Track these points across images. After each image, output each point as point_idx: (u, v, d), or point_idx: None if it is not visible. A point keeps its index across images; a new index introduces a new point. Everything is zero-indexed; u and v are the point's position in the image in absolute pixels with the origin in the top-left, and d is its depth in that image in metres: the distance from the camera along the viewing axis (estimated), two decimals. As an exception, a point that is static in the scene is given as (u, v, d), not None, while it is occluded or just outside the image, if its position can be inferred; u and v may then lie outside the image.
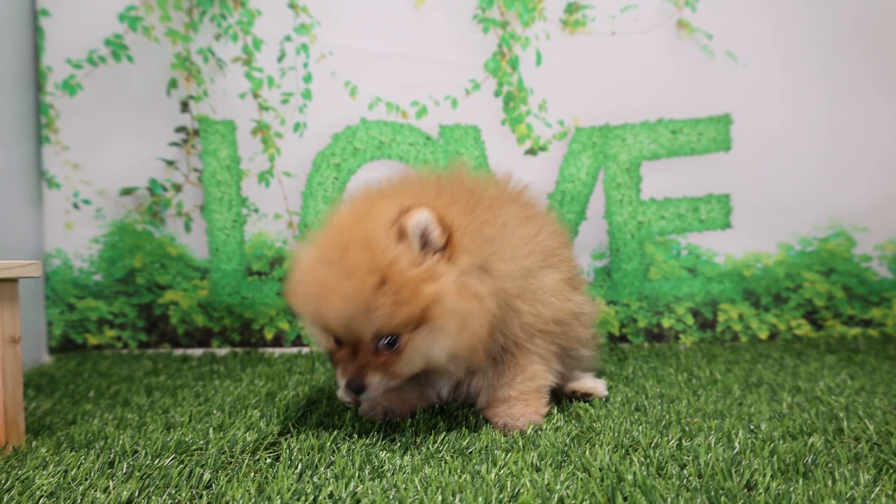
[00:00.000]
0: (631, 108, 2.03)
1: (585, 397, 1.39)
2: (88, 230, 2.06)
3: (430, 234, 1.07)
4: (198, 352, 2.06)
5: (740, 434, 1.10)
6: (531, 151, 2.05)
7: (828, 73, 2.00)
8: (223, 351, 2.06)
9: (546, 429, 1.18)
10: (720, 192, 2.03)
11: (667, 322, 2.05)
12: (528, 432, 1.14)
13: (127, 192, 2.06)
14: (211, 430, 1.18)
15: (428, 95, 2.04)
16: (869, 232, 2.00)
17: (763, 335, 2.03)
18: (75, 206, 2.05)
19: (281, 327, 2.08)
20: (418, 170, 1.43)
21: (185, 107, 2.06)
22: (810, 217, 2.01)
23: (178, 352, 2.07)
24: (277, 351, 2.05)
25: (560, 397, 1.40)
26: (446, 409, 1.35)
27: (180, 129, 2.06)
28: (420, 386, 1.31)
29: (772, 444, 1.05)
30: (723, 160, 2.02)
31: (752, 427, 1.16)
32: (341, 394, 1.38)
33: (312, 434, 1.15)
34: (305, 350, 2.05)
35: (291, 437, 1.15)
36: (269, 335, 2.08)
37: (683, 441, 1.08)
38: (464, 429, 1.18)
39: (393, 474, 0.95)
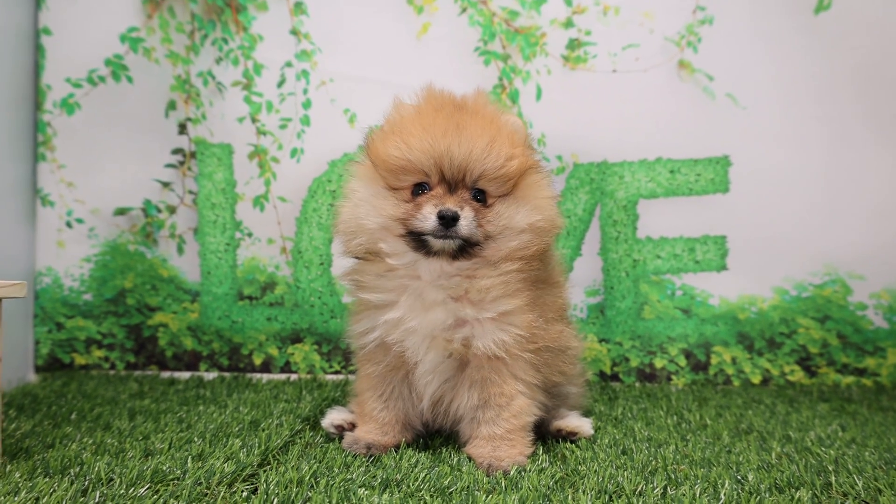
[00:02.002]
0: (630, 145, 2.02)
1: (571, 436, 1.37)
2: (80, 249, 2.04)
3: (524, 135, 1.25)
4: (185, 375, 2.04)
5: (726, 484, 1.08)
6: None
7: (826, 118, 1.99)
8: (211, 375, 2.04)
9: (530, 469, 1.16)
10: (717, 234, 2.01)
11: (659, 362, 2.03)
12: (512, 473, 1.13)
13: (121, 212, 2.05)
14: (189, 460, 1.16)
15: (426, 126, 2.04)
16: (865, 280, 1.98)
17: (756, 380, 2.01)
18: (68, 224, 2.04)
19: (270, 353, 2.06)
20: None
21: (182, 129, 2.05)
22: (806, 262, 2.00)
23: (166, 374, 2.05)
24: (265, 377, 2.03)
25: (545, 436, 1.37)
26: (430, 444, 1.34)
27: (177, 151, 2.06)
28: (404, 405, 1.30)
29: (758, 497, 1.03)
30: (720, 201, 2.01)
31: (738, 477, 1.14)
32: (326, 423, 1.39)
33: (292, 467, 1.14)
34: (293, 377, 2.03)
35: (271, 469, 1.14)
36: (257, 360, 2.06)
37: (669, 489, 1.07)
38: (446, 466, 1.16)
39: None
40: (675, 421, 1.57)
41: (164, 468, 1.11)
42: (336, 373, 2.05)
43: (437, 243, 1.17)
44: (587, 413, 1.58)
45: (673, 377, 2.02)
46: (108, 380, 1.97)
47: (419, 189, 1.20)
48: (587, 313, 2.05)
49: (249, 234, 2.06)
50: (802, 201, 1.99)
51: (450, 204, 1.15)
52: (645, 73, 2.02)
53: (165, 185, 2.06)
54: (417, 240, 1.18)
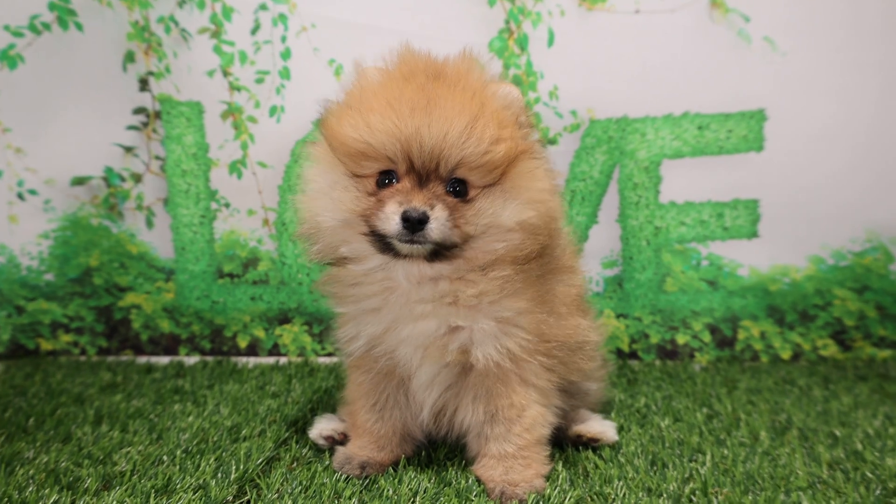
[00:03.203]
0: (653, 98, 1.79)
1: (592, 443, 1.21)
2: (36, 224, 1.82)
3: (518, 109, 1.01)
4: (164, 360, 1.86)
5: None
6: (539, 141, 1.82)
7: (877, 65, 1.76)
8: (192, 360, 1.87)
9: (549, 496, 1.00)
10: (748, 198, 1.81)
11: (682, 338, 1.86)
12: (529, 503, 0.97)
13: (79, 181, 1.82)
14: (152, 494, 0.99)
15: (423, 79, 1.79)
16: (909, 246, 1.81)
17: (786, 355, 1.86)
18: (20, 196, 1.81)
19: (256, 335, 1.88)
20: None
21: (144, 85, 1.80)
22: (846, 228, 1.81)
23: (143, 360, 1.87)
24: (252, 361, 1.85)
25: (563, 442, 1.22)
26: (434, 457, 1.17)
27: (139, 111, 1.81)
28: (402, 415, 1.14)
29: None
30: (753, 161, 1.80)
31: None
32: (314, 434, 1.22)
33: (273, 502, 0.98)
34: (283, 360, 1.86)
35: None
36: (242, 343, 1.88)
37: None
38: (453, 499, 0.99)
39: None
40: (705, 415, 1.43)
41: None
42: (329, 355, 1.88)
43: (403, 248, 0.96)
44: (606, 403, 1.43)
45: (696, 354, 1.87)
46: (79, 367, 1.79)
47: (386, 178, 0.98)
48: (603, 286, 1.86)
49: (227, 205, 1.84)
50: (845, 160, 1.79)
51: (417, 202, 0.93)
52: (672, 13, 1.76)
53: (128, 149, 1.82)
54: (383, 241, 0.97)
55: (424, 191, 0.95)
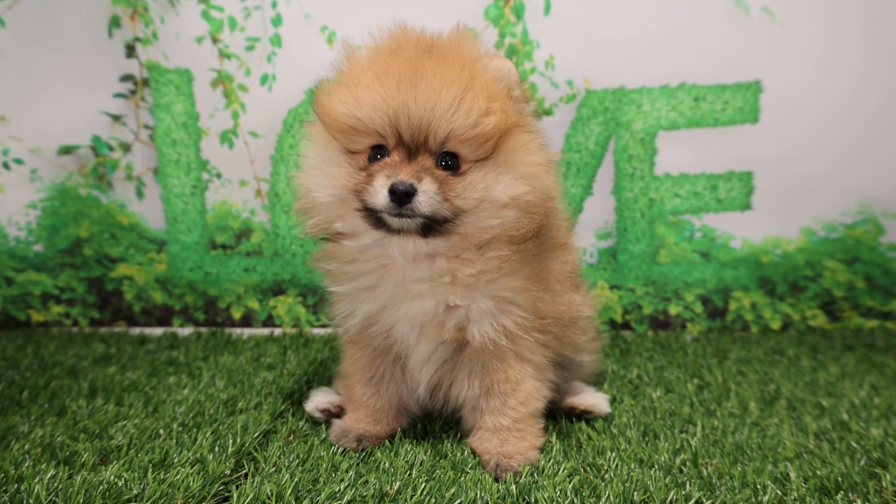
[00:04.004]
0: (650, 69, 1.77)
1: (585, 415, 1.23)
2: (23, 194, 1.79)
3: (512, 83, 0.99)
4: (157, 331, 1.85)
5: (769, 491, 0.94)
6: (534, 115, 1.80)
7: (874, 36, 1.74)
8: (186, 331, 1.86)
9: (543, 468, 1.01)
10: (742, 170, 1.81)
11: (674, 309, 1.88)
12: (524, 476, 0.98)
13: (66, 150, 1.78)
14: (150, 468, 0.99)
15: (418, 47, 1.76)
16: (899, 218, 1.82)
17: (775, 325, 1.88)
18: (5, 165, 1.77)
19: (250, 306, 1.87)
20: None
21: (130, 51, 1.75)
22: (838, 200, 1.82)
23: (136, 331, 1.86)
24: (246, 332, 1.85)
25: (556, 413, 1.23)
26: (429, 429, 1.18)
27: (126, 78, 1.77)
28: (398, 389, 1.14)
29: None
30: (748, 133, 1.79)
31: (778, 475, 1.00)
32: (310, 407, 1.22)
33: (270, 473, 0.98)
34: (277, 331, 1.86)
35: (244, 480, 0.97)
36: (236, 314, 1.88)
37: (704, 500, 0.92)
38: (449, 472, 1.00)
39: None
40: (696, 386, 1.44)
41: (119, 483, 0.93)
42: (323, 326, 1.88)
43: (394, 222, 0.95)
44: (599, 374, 1.44)
45: (688, 324, 1.89)
46: (71, 338, 1.78)
47: (377, 153, 0.97)
48: (598, 258, 1.87)
49: (218, 175, 1.81)
50: (840, 132, 1.79)
51: (404, 175, 0.93)
52: (671, -19, 1.74)
53: (116, 118, 1.78)
54: (375, 217, 0.97)
55: (413, 164, 0.94)
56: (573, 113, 1.80)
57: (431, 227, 0.96)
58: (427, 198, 0.93)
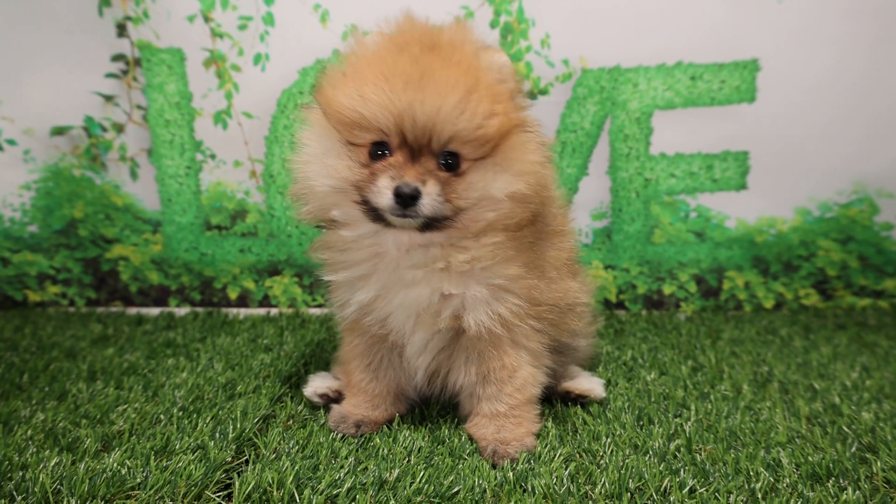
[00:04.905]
0: (647, 48, 1.75)
1: (580, 399, 1.24)
2: (16, 175, 1.78)
3: (508, 78, 0.99)
4: (154, 311, 1.86)
5: (761, 478, 0.96)
6: (530, 95, 1.78)
7: (873, 13, 1.73)
8: (182, 311, 1.87)
9: (540, 454, 1.03)
10: (738, 150, 1.81)
11: (668, 289, 1.89)
12: (520, 463, 0.99)
13: (59, 131, 1.77)
14: (152, 455, 1.00)
15: (412, 25, 1.73)
16: (894, 199, 1.82)
17: (768, 304, 1.90)
18: (-2, 147, 1.77)
19: (246, 287, 1.88)
20: None
21: (122, 30, 1.73)
22: (834, 180, 1.82)
23: (133, 311, 1.87)
24: (242, 312, 1.86)
25: (552, 397, 1.24)
26: (427, 414, 1.20)
27: (118, 58, 1.75)
28: (396, 375, 1.15)
29: (799, 499, 0.90)
30: (745, 113, 1.78)
31: (770, 461, 1.02)
32: (309, 392, 1.23)
33: (271, 461, 0.99)
34: (274, 311, 1.87)
35: (245, 467, 0.98)
36: (232, 295, 1.89)
37: (697, 487, 0.93)
38: (447, 458, 1.02)
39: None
40: (690, 368, 1.46)
41: (123, 471, 0.94)
42: (319, 306, 1.89)
43: (396, 221, 0.96)
44: (594, 357, 1.45)
45: (682, 304, 1.90)
46: (69, 318, 1.79)
47: (379, 149, 0.97)
48: (592, 238, 1.87)
49: (213, 156, 1.81)
50: (836, 111, 1.78)
51: (409, 177, 0.93)
52: (669, -43, 1.71)
53: (108, 98, 1.76)
54: (375, 213, 0.97)
55: (417, 165, 0.94)
56: (569, 92, 1.79)
57: (431, 224, 0.97)
58: (430, 200, 0.94)
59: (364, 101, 0.93)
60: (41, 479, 0.93)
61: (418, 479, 0.94)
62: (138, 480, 0.92)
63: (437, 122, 0.92)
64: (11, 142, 1.77)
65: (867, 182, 1.82)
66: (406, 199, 0.92)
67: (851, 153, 1.80)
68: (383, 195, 0.93)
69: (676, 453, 1.05)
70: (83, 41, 1.72)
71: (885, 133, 1.78)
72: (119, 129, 1.78)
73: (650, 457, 1.03)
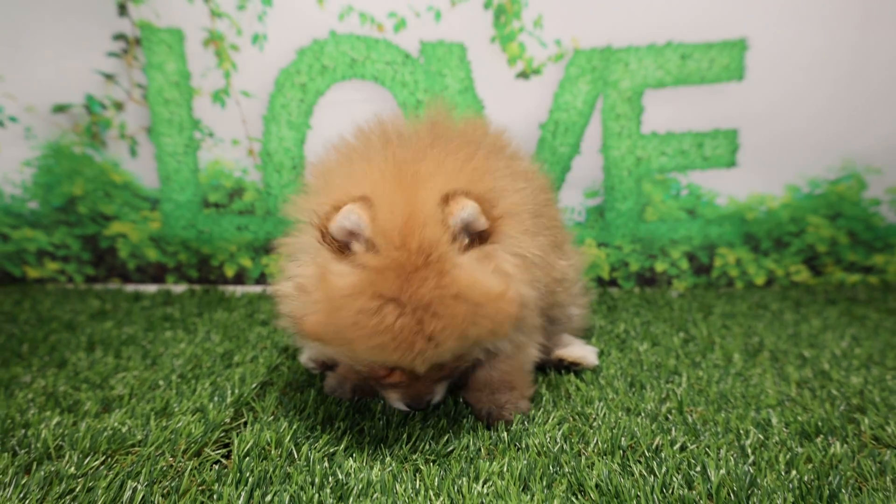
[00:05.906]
0: (637, 28, 1.78)
1: (574, 366, 1.25)
2: (18, 152, 1.81)
3: (473, 225, 0.90)
4: (151, 288, 1.88)
5: (751, 435, 0.97)
6: (523, 75, 1.82)
7: (861, -7, 1.76)
8: (180, 288, 1.89)
9: (534, 416, 1.04)
10: (728, 128, 1.83)
11: (660, 266, 1.91)
12: (515, 424, 1.01)
13: (60, 109, 1.80)
14: (152, 416, 1.02)
15: (407, 5, 1.76)
16: (881, 174, 1.84)
17: (760, 281, 1.92)
18: (0, 123, 1.79)
19: (242, 264, 1.90)
20: (403, 120, 1.17)
21: (122, 10, 1.76)
22: (822, 156, 1.84)
23: (130, 288, 1.89)
24: (239, 289, 1.88)
25: (546, 365, 1.25)
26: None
27: (119, 37, 1.78)
28: None
29: (788, 454, 0.91)
30: (734, 91, 1.81)
31: (760, 420, 1.03)
32: (304, 360, 1.25)
33: (269, 424, 1.00)
34: (270, 289, 1.89)
35: (244, 428, 1.00)
36: (229, 272, 1.91)
37: (688, 444, 0.94)
38: (442, 420, 1.03)
39: (359, 497, 0.81)
40: (682, 339, 1.47)
41: (123, 430, 0.96)
42: (316, 283, 1.90)
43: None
44: (588, 330, 1.46)
45: (674, 281, 1.92)
46: (67, 295, 1.81)
47: None
48: (585, 216, 1.90)
49: (211, 135, 1.83)
50: (825, 88, 1.81)
51: (420, 392, 0.98)
52: (658, -61, 1.75)
53: (109, 77, 1.80)
54: None
55: (425, 376, 0.95)
56: (562, 72, 1.82)
57: None
58: (441, 392, 1.01)
59: (355, 355, 0.93)
60: (43, 435, 0.95)
61: (414, 438, 0.96)
62: (139, 438, 0.94)
63: (429, 360, 0.90)
64: (13, 119, 1.80)
65: (856, 158, 1.84)
66: (425, 405, 1.00)
67: (840, 130, 1.82)
68: (397, 403, 1.01)
69: (668, 415, 1.06)
70: (85, 20, 1.75)
71: (873, 110, 1.81)
72: (119, 107, 1.81)
73: (642, 418, 1.04)
